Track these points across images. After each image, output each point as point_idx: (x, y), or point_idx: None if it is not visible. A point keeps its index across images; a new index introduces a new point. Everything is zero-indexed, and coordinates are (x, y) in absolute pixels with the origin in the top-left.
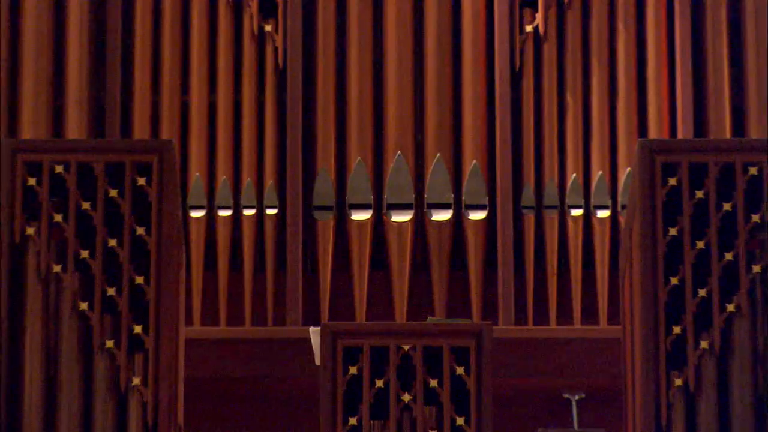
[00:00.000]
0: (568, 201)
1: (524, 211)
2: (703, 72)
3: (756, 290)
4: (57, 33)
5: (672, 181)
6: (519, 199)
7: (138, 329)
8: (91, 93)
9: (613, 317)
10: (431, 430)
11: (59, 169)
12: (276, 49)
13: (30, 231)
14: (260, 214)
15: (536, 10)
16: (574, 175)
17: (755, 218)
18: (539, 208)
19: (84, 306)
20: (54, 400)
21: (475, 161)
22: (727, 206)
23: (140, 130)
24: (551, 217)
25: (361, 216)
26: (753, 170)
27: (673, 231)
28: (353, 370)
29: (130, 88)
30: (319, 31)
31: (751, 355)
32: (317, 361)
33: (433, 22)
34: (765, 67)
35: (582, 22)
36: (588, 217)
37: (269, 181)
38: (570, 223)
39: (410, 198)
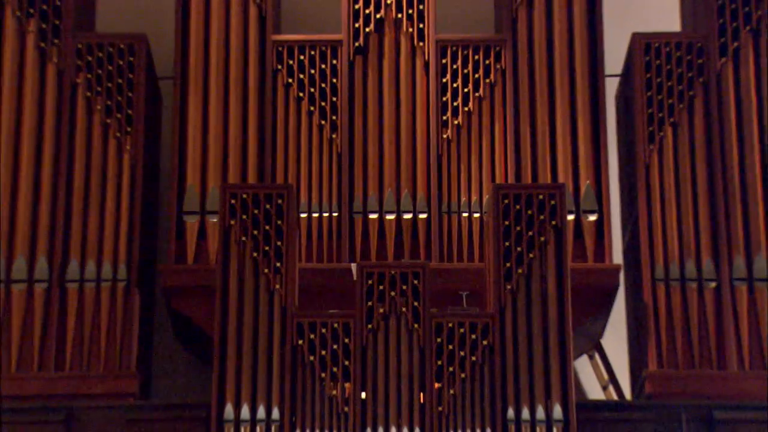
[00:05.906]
0: (461, 210)
1: (443, 214)
2: (520, 150)
3: (543, 249)
4: (244, 131)
5: (506, 201)
6: (441, 209)
7: (278, 264)
8: (257, 161)
9: (481, 260)
10: (404, 307)
11: (244, 195)
12: (337, 145)
13: (232, 222)
14: (330, 216)
15: (448, 128)
16: (464, 198)
17: (542, 217)
18: (449, 213)
19: (255, 254)
20: (242, 295)
21: (422, 193)
22: (530, 212)
23: (279, 178)
24: (453, 217)
25: (373, 216)
26: (541, 197)
27: (506, 223)
28: (370, 282)
29: (275, 160)
30: (356, 137)
31: (540, 276)
32: (354, 278)
33: (404, 133)
34: (547, 147)
35: (467, 134)
36: (470, 217)
37: (334, 201)
38: (464, 220)
39: (394, 208)
